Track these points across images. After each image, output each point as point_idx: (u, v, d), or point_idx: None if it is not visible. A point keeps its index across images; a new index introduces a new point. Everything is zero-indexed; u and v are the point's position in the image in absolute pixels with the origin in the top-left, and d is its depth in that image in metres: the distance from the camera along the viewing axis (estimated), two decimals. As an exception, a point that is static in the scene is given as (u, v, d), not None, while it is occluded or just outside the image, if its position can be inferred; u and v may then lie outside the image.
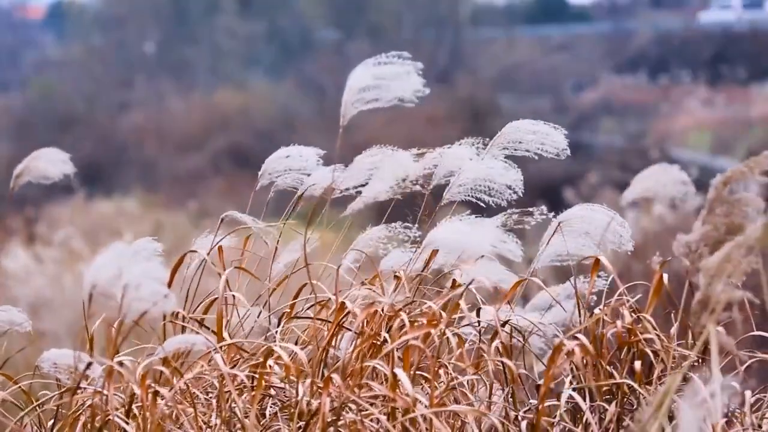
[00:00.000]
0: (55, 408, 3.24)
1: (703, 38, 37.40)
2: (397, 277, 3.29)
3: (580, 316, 3.36)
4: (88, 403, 3.06)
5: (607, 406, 3.19)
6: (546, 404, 3.08)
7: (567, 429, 3.18)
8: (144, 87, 37.63)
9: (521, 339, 3.35)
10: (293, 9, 41.14)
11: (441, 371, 3.21)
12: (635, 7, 42.38)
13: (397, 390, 2.94)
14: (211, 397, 3.18)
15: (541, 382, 3.13)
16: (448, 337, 3.11)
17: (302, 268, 3.41)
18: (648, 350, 3.26)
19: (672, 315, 3.33)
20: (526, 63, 37.60)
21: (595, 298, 3.39)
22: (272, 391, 3.19)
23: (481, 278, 3.23)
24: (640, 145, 29.39)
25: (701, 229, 3.00)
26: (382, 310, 3.12)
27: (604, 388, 3.23)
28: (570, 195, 19.27)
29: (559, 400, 3.18)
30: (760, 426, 3.23)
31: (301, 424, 2.99)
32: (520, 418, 3.16)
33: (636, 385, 3.20)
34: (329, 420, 2.96)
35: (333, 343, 3.20)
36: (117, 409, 3.00)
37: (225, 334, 3.29)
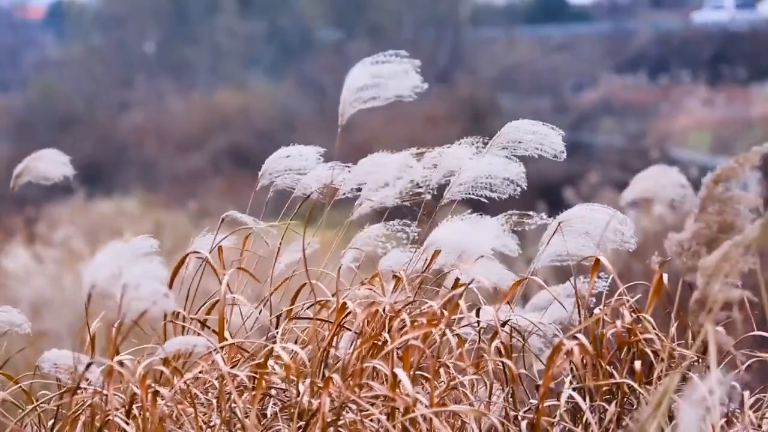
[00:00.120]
0: (55, 408, 3.24)
1: (703, 38, 37.39)
2: (396, 277, 3.29)
3: (579, 316, 3.36)
4: (88, 403, 3.06)
5: (607, 406, 3.19)
6: (546, 404, 3.08)
7: (567, 429, 3.18)
8: (144, 87, 37.62)
9: (521, 339, 3.35)
10: (293, 9, 41.13)
11: (441, 371, 3.21)
12: (635, 7, 42.37)
13: (397, 390, 2.94)
14: (211, 398, 3.18)
15: (540, 382, 3.13)
16: (448, 337, 3.11)
17: (302, 271, 3.42)
18: (648, 350, 3.26)
19: (672, 315, 3.33)
20: (526, 63, 37.59)
21: (594, 300, 3.39)
22: (272, 392, 3.19)
23: (481, 278, 3.23)
24: (640, 145, 29.39)
25: (693, 227, 3.00)
26: (383, 310, 3.12)
27: (604, 388, 3.23)
28: (570, 195, 19.27)
29: (559, 399, 3.18)
30: (760, 426, 3.23)
31: (302, 424, 2.99)
32: (520, 417, 3.16)
33: (636, 385, 3.20)
34: (329, 420, 2.96)
35: (333, 343, 3.20)
36: (117, 409, 3.00)
37: (226, 334, 3.29)
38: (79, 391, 3.09)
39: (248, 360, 3.25)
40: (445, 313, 3.10)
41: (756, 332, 3.33)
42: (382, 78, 3.25)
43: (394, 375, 2.95)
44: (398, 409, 2.95)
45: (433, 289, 3.38)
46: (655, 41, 38.43)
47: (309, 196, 3.49)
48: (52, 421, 3.23)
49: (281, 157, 3.56)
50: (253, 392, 3.06)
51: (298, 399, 3.01)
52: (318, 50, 38.68)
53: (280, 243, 3.48)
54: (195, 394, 3.12)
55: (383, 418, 2.98)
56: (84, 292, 2.81)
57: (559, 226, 3.38)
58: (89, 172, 23.96)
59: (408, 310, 3.16)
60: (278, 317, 3.40)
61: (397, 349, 3.03)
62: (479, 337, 3.29)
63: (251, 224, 3.48)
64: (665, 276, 3.31)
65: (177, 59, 39.72)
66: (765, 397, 3.35)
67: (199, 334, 3.27)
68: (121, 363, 3.01)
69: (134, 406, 3.03)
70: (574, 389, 3.17)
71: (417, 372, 3.08)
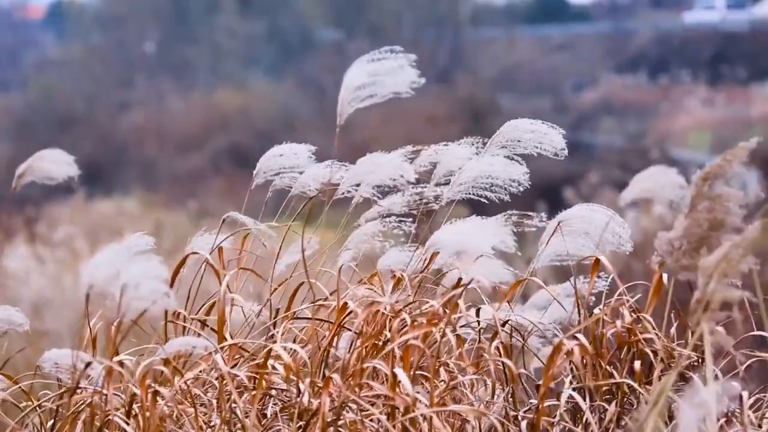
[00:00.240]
0: (55, 408, 3.24)
1: (703, 38, 37.39)
2: (395, 277, 3.29)
3: (579, 315, 3.36)
4: (88, 402, 3.06)
5: (606, 406, 3.19)
6: (546, 404, 3.08)
7: (567, 429, 3.19)
8: (144, 87, 37.61)
9: (521, 338, 3.35)
10: (293, 9, 41.12)
11: (441, 371, 3.21)
12: (635, 7, 42.36)
13: (397, 389, 2.94)
14: (211, 398, 3.19)
15: (540, 381, 3.13)
16: (448, 337, 3.11)
17: (302, 272, 3.42)
18: (648, 350, 3.26)
19: (672, 314, 3.33)
20: (526, 63, 37.59)
21: (593, 299, 3.39)
22: (272, 392, 3.19)
23: (481, 278, 3.24)
24: (640, 145, 29.39)
25: (683, 225, 3.00)
26: (384, 309, 3.12)
27: (604, 388, 3.23)
28: (570, 195, 19.27)
29: (559, 399, 3.18)
30: (759, 426, 3.23)
31: (302, 424, 3.00)
32: (520, 417, 3.16)
33: (636, 385, 3.20)
34: (329, 420, 2.96)
35: (333, 343, 3.20)
36: (117, 409, 3.00)
37: (226, 334, 3.29)
38: (78, 391, 3.09)
39: (248, 360, 3.25)
40: (446, 312, 3.10)
41: (755, 332, 3.33)
42: (378, 75, 3.25)
43: (394, 375, 2.95)
44: (398, 408, 2.95)
45: (433, 289, 3.38)
46: (655, 41, 38.43)
47: (312, 198, 3.49)
48: (52, 421, 3.23)
49: (275, 155, 3.56)
50: (253, 392, 3.06)
51: (298, 399, 3.01)
52: (318, 50, 38.68)
53: (281, 243, 3.48)
54: (195, 394, 3.13)
55: (383, 417, 2.98)
56: (82, 292, 2.81)
57: (559, 226, 3.38)
58: (89, 172, 23.90)
59: (408, 310, 3.16)
60: (276, 313, 3.40)
61: (397, 348, 3.03)
62: (479, 337, 3.29)
63: (251, 225, 3.48)
64: (665, 276, 3.31)
65: (177, 59, 39.71)
66: (765, 397, 3.35)
67: (199, 334, 3.27)
68: (121, 363, 3.01)
69: (134, 406, 3.03)
70: (574, 389, 3.17)
71: (417, 372, 3.08)
